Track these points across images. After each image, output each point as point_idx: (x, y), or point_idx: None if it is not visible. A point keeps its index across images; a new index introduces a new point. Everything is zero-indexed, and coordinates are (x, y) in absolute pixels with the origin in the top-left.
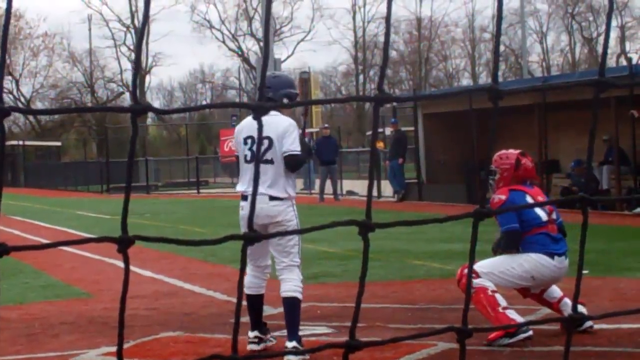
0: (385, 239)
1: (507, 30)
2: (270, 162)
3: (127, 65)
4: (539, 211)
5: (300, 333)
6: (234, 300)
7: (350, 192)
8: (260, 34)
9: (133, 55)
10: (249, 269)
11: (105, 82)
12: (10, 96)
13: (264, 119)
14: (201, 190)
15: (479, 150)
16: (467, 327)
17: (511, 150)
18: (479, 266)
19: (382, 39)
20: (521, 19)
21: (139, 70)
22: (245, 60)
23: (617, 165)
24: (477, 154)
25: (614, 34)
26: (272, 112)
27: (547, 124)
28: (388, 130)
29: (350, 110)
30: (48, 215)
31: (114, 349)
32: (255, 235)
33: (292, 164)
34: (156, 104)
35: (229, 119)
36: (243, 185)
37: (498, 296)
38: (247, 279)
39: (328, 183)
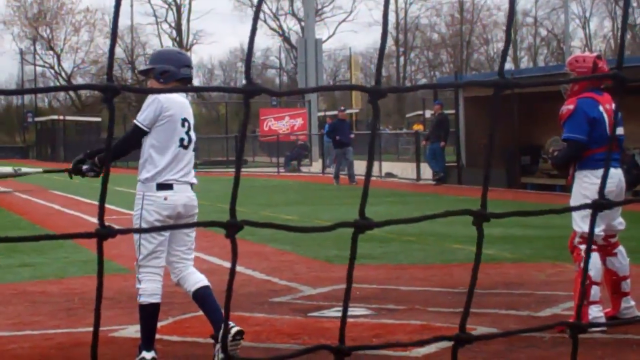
0: (424, 222)
1: (549, 14)
2: (194, 149)
3: (168, 42)
4: (607, 124)
5: (340, 314)
6: (273, 280)
7: (389, 174)
8: (301, 13)
9: (174, 33)
10: (154, 273)
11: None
12: (52, 71)
13: (179, 100)
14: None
15: (519, 134)
16: (581, 323)
17: (587, 53)
18: (579, 229)
19: (424, 21)
20: (564, 3)
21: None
22: (286, 39)
23: None
24: (517, 138)
25: None
26: (183, 95)
27: None
28: (428, 113)
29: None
30: (87, 190)
31: None
32: (368, 223)
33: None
34: (196, 81)
35: (269, 99)
36: (174, 173)
37: (593, 289)
38: (154, 285)
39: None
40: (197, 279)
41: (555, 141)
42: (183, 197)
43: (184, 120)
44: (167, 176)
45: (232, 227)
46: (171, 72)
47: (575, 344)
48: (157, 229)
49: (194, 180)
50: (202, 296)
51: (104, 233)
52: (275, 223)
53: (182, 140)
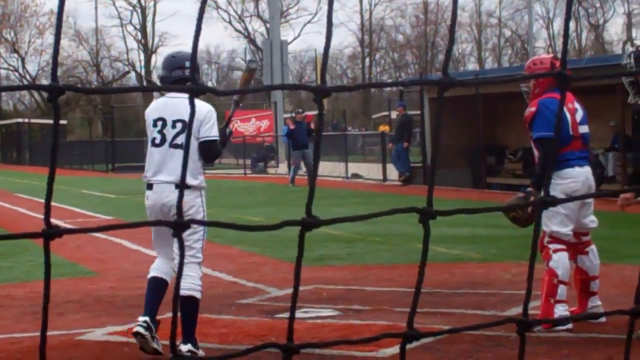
0: (391, 222)
1: (513, 15)
2: (180, 147)
3: (134, 45)
4: (570, 122)
5: (306, 315)
6: (240, 281)
7: (355, 175)
8: (267, 15)
9: (139, 35)
10: (157, 256)
11: (111, 61)
12: (16, 74)
13: (174, 101)
14: (206, 171)
15: (484, 135)
16: (528, 319)
17: (544, 55)
18: (547, 228)
19: (389, 22)
20: (528, 4)
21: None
22: (252, 41)
23: (622, 152)
24: (482, 138)
25: (620, 20)
26: (184, 95)
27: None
28: (394, 114)
29: (356, 93)
30: (54, 193)
31: (120, 328)
32: (314, 221)
33: (208, 151)
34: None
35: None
36: (150, 172)
37: (560, 287)
38: (155, 263)
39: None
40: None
41: (519, 197)
42: (161, 196)
43: (157, 119)
44: (148, 176)
45: (179, 227)
46: (165, 77)
47: (522, 340)
48: (104, 229)
49: (168, 179)
50: (180, 303)
51: (50, 233)
52: (222, 222)
53: (153, 139)
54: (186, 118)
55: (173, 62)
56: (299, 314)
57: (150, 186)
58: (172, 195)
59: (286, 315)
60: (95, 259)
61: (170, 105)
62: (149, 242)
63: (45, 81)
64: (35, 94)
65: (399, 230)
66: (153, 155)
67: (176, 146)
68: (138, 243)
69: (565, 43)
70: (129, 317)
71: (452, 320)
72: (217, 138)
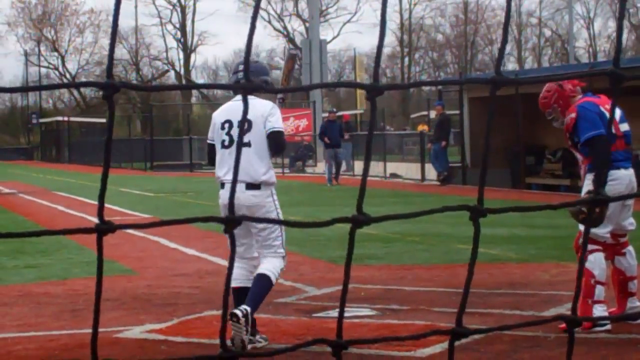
0: (429, 222)
1: (554, 15)
2: (247, 144)
3: (173, 43)
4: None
5: (344, 314)
6: (280, 281)
7: (393, 175)
8: (306, 14)
9: (179, 34)
10: (237, 260)
11: (150, 59)
12: (56, 72)
13: (238, 103)
14: None
15: (524, 135)
16: (577, 317)
17: (546, 86)
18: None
19: (428, 21)
20: (568, 4)
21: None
22: (291, 40)
23: None
24: (522, 138)
25: None
26: (250, 96)
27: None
28: (432, 113)
29: (395, 93)
30: (92, 191)
31: (158, 326)
32: (365, 219)
33: (276, 142)
34: (200, 82)
35: (274, 99)
36: (221, 172)
37: (598, 288)
38: (237, 271)
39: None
40: (261, 267)
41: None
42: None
43: (224, 122)
44: (220, 176)
45: (231, 223)
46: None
47: (571, 337)
48: (153, 224)
49: (240, 177)
50: (255, 279)
51: (103, 228)
52: (274, 218)
53: (222, 141)
54: (251, 117)
55: (233, 69)
56: (336, 313)
57: (222, 185)
58: (242, 195)
59: (323, 314)
60: (133, 257)
61: (235, 108)
62: (187, 240)
63: (84, 80)
64: (75, 92)
65: (437, 230)
66: (223, 156)
67: (243, 144)
68: (176, 241)
69: (619, 41)
70: (167, 315)
71: (490, 321)
72: (283, 129)
